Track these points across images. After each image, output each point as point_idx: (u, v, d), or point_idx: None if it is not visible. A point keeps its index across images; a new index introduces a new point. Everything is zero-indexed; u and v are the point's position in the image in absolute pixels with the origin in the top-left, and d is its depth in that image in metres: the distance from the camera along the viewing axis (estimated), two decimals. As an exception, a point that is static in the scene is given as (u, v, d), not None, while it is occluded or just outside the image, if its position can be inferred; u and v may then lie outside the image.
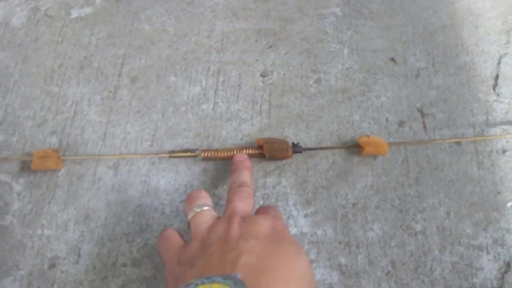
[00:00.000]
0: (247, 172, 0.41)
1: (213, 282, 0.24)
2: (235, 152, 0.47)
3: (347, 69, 0.55)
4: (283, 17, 0.58)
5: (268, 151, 0.47)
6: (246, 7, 0.58)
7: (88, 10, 0.58)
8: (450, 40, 0.57)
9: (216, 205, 0.47)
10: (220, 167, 0.49)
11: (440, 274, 0.44)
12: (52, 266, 0.44)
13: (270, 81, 0.54)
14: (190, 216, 0.37)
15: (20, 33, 0.56)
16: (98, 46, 0.55)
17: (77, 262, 0.44)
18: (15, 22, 0.57)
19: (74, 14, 0.57)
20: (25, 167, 0.48)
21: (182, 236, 0.38)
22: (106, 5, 0.58)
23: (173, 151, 0.48)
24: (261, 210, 0.37)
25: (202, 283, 0.24)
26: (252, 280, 0.26)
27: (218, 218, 0.36)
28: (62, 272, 0.44)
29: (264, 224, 0.33)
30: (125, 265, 0.44)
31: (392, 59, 0.55)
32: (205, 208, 0.37)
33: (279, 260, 0.29)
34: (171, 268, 0.33)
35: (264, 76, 0.54)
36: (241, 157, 0.43)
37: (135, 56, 0.55)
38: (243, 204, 0.36)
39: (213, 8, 0.58)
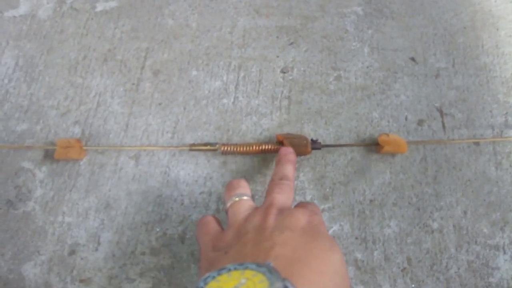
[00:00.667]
0: (291, 165, 0.42)
1: (246, 268, 0.25)
2: (254, 147, 0.49)
3: (367, 67, 0.56)
4: (304, 15, 0.59)
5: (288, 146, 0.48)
6: (268, 4, 0.60)
7: (112, 3, 0.60)
8: (471, 41, 0.58)
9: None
10: (239, 160, 0.50)
11: (455, 272, 0.46)
12: (72, 252, 0.46)
13: (290, 77, 0.55)
14: (228, 204, 0.38)
15: (46, 25, 0.59)
16: (122, 39, 0.57)
17: (96, 250, 0.46)
18: (41, 14, 0.59)
19: (99, 7, 0.60)
20: (48, 155, 0.50)
21: (219, 223, 0.39)
22: (130, -1, 0.60)
23: (193, 144, 0.50)
24: (300, 205, 0.38)
25: (235, 268, 0.25)
26: (285, 271, 0.27)
27: (255, 209, 0.37)
28: (81, 258, 0.46)
29: (300, 218, 0.34)
30: (143, 253, 0.46)
31: (412, 59, 0.57)
32: (244, 197, 0.38)
33: (313, 253, 0.30)
34: (206, 253, 0.35)
35: (284, 72, 0.55)
36: (286, 151, 0.44)
37: (158, 50, 0.57)
38: (282, 197, 0.37)
39: (235, 4, 0.60)
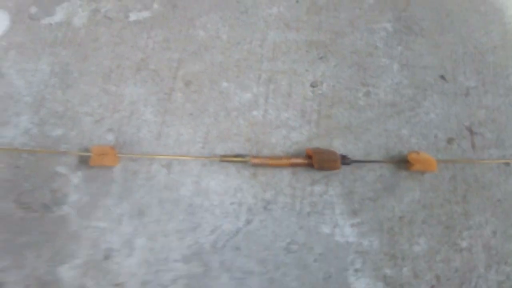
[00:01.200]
0: None
1: None
2: (284, 160, 0.51)
3: (397, 84, 0.58)
4: (334, 30, 0.62)
5: (317, 162, 0.50)
6: (298, 19, 0.62)
7: (146, 14, 0.63)
8: (501, 60, 0.60)
9: (264, 209, 0.50)
10: (269, 172, 0.52)
11: (484, 293, 0.47)
12: (107, 257, 0.48)
13: (320, 92, 0.57)
14: None
15: (80, 33, 0.61)
16: (155, 49, 0.60)
17: (130, 255, 0.48)
18: (76, 22, 0.62)
19: (133, 17, 0.62)
20: (83, 161, 0.53)
21: None
22: (163, 10, 0.63)
23: (224, 156, 0.52)
24: None
25: None
26: None
27: None
28: (116, 263, 0.48)
29: None
30: (176, 260, 0.48)
31: (442, 77, 0.58)
32: None
33: None
34: None
35: (314, 87, 0.58)
36: None
37: (190, 61, 0.59)
38: None
39: (266, 18, 0.62)
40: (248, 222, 0.50)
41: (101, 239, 0.49)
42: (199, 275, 0.48)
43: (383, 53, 0.61)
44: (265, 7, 0.64)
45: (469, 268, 0.48)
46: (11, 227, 0.49)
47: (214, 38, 0.62)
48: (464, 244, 0.49)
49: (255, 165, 0.52)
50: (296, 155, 0.53)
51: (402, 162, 0.52)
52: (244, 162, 0.52)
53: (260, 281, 0.48)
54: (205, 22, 0.63)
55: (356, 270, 0.48)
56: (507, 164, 0.52)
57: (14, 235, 0.49)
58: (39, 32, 0.62)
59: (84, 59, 0.60)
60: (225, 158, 0.52)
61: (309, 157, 0.52)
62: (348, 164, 0.51)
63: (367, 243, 0.49)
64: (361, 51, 0.61)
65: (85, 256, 0.49)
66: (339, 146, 0.54)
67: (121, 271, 0.48)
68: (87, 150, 0.53)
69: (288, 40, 0.61)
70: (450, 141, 0.55)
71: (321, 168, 0.51)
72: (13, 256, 0.48)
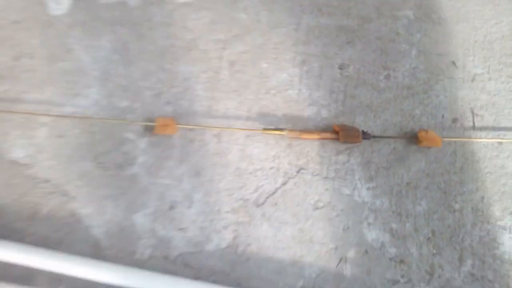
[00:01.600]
0: None
1: None
2: (315, 133, 0.63)
3: (414, 68, 0.68)
4: (361, 16, 0.70)
5: (343, 136, 0.62)
6: (329, 4, 0.71)
7: (193, -4, 0.71)
8: (507, 50, 0.69)
9: (297, 172, 0.63)
10: (302, 143, 0.64)
11: (469, 244, 0.61)
12: (171, 208, 0.62)
13: (347, 74, 0.68)
14: None
15: (135, 13, 0.71)
16: (202, 30, 0.70)
17: (190, 207, 0.62)
18: (131, 2, 0.71)
19: (182, -1, 0.71)
20: (148, 129, 0.65)
21: None
22: (209, -7, 0.71)
23: (265, 128, 0.64)
24: None
25: None
26: None
27: None
28: (179, 213, 0.62)
29: None
30: (227, 212, 0.62)
31: (453, 63, 0.68)
32: None
33: None
34: None
35: (341, 69, 0.68)
36: None
37: (234, 42, 0.69)
38: None
39: (301, 3, 0.71)
40: (284, 183, 0.63)
41: (166, 193, 0.63)
42: (245, 223, 0.61)
43: (404, 40, 0.70)
44: (300, -9, 0.72)
45: (459, 225, 0.62)
46: (92, 182, 0.63)
47: (255, 21, 0.71)
48: (457, 206, 0.62)
49: (290, 137, 0.64)
50: (325, 129, 0.64)
51: (413, 138, 0.64)
52: (282, 134, 0.64)
53: (292, 230, 0.62)
54: (247, 6, 0.71)
55: (369, 224, 0.62)
56: (500, 143, 0.64)
57: (95, 188, 0.62)
58: (99, 11, 0.71)
59: (140, 37, 0.70)
60: (266, 131, 0.64)
61: (335, 131, 0.63)
62: (367, 138, 0.63)
63: (379, 203, 0.62)
64: (384, 37, 0.70)
65: (154, 206, 0.62)
66: (361, 122, 0.66)
67: (183, 219, 0.62)
68: (150, 120, 0.65)
69: (321, 25, 0.70)
70: (454, 120, 0.66)
71: (345, 141, 0.63)
72: (96, 205, 0.62)
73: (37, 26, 0.70)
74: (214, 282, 0.58)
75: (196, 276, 0.59)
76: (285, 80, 0.68)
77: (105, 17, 0.71)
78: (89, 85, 0.67)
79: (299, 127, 0.65)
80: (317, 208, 0.62)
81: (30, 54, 0.68)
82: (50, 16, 0.70)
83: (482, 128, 0.66)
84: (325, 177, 0.63)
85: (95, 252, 0.60)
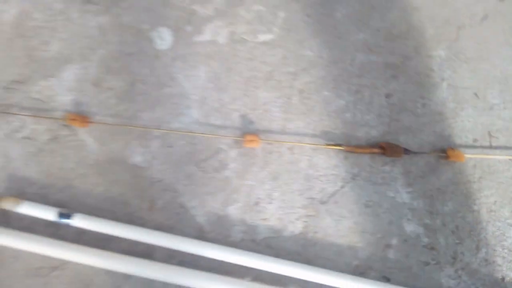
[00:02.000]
0: None
1: None
2: (366, 149, 0.83)
3: (444, 98, 0.88)
4: (403, 54, 0.90)
5: (388, 152, 0.83)
6: (377, 44, 0.91)
7: (270, 36, 0.92)
8: (519, 84, 0.89)
9: (352, 179, 0.83)
10: (356, 156, 0.85)
11: (484, 237, 0.81)
12: (256, 203, 0.83)
13: (392, 102, 0.88)
14: None
15: (224, 49, 0.91)
16: (277, 64, 0.90)
17: (271, 203, 0.83)
18: (220, 40, 0.91)
19: (261, 38, 0.91)
20: (237, 142, 0.85)
21: None
22: (281, 33, 0.92)
23: (327, 143, 0.84)
24: None
25: None
26: None
27: None
28: (262, 207, 0.83)
29: None
30: (299, 207, 0.83)
31: (476, 94, 0.88)
32: None
33: None
34: None
35: (387, 98, 0.88)
36: None
37: (302, 74, 0.89)
38: None
39: (354, 43, 0.91)
40: (342, 186, 0.84)
41: (252, 192, 0.84)
42: (313, 217, 0.82)
43: (437, 75, 0.90)
44: (354, 33, 0.92)
45: (476, 222, 0.82)
46: (195, 181, 0.84)
47: (318, 57, 0.91)
48: (475, 207, 0.83)
49: (347, 151, 0.84)
50: (374, 145, 0.85)
51: (443, 154, 0.84)
52: (340, 149, 0.84)
53: (349, 223, 0.82)
54: (312, 45, 0.92)
55: (408, 219, 0.82)
56: (511, 159, 0.84)
57: (198, 186, 0.84)
58: (195, 47, 0.91)
59: (229, 69, 0.90)
60: (328, 146, 0.84)
61: (382, 148, 0.84)
62: (408, 154, 0.84)
63: (416, 204, 0.83)
64: (422, 72, 0.90)
65: (243, 202, 0.83)
66: (402, 141, 0.86)
67: (265, 211, 0.83)
68: (239, 135, 0.86)
69: (371, 61, 0.90)
70: (475, 141, 0.86)
71: (390, 155, 0.83)
72: (199, 199, 0.83)
73: (146, 58, 0.91)
74: (291, 260, 0.79)
75: (276, 255, 0.80)
76: (342, 105, 0.88)
77: (200, 52, 0.91)
78: (190, 106, 0.88)
79: (353, 143, 0.86)
80: (368, 207, 0.83)
81: (143, 80, 0.89)
82: (156, 50, 0.91)
83: (497, 147, 0.86)
84: (374, 183, 0.84)
85: (200, 235, 0.81)
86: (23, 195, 0.85)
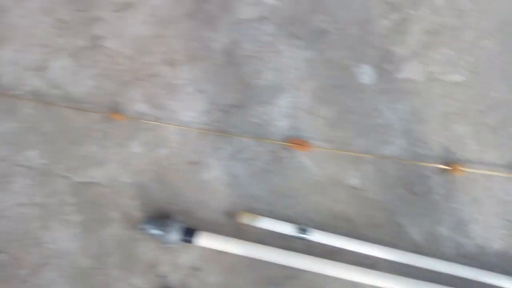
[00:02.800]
0: None
1: None
2: None
3: None
4: None
5: None
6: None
7: (460, 77, 1.06)
8: None
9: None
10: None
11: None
12: (462, 224, 0.97)
13: None
14: None
15: (419, 86, 1.06)
16: (468, 102, 1.04)
17: (477, 224, 0.97)
18: (418, 78, 1.06)
19: (452, 78, 1.06)
20: (441, 169, 0.99)
21: None
22: (470, 75, 1.06)
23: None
24: None
25: None
26: None
27: None
28: (465, 227, 0.96)
29: None
30: (501, 228, 0.97)
31: None
32: None
33: None
34: None
35: None
36: None
37: (490, 112, 1.04)
38: None
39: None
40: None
41: (457, 214, 0.97)
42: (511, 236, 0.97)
43: None
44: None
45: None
46: (407, 202, 0.97)
47: (504, 99, 1.06)
48: None
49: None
50: None
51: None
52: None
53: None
54: (497, 87, 1.07)
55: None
56: None
57: (409, 207, 0.97)
58: (396, 83, 1.06)
59: (424, 105, 1.04)
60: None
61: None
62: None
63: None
64: None
65: (450, 222, 0.97)
66: None
67: (471, 231, 0.96)
68: (447, 164, 0.99)
69: None
70: None
71: None
72: (411, 219, 0.96)
73: (352, 90, 1.05)
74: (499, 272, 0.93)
75: (483, 268, 0.93)
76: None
77: (401, 88, 1.05)
78: (395, 135, 1.02)
79: None
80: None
81: (351, 110, 1.03)
82: (360, 84, 1.05)
83: None
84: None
85: (416, 250, 0.95)
86: (251, 211, 0.98)
